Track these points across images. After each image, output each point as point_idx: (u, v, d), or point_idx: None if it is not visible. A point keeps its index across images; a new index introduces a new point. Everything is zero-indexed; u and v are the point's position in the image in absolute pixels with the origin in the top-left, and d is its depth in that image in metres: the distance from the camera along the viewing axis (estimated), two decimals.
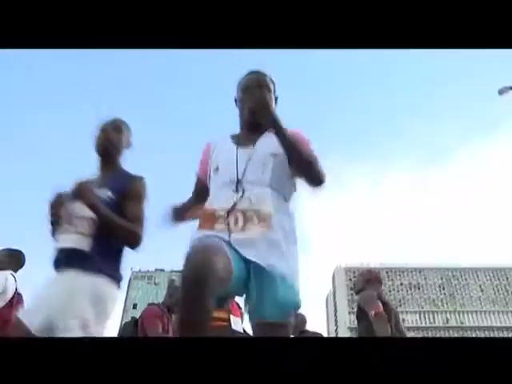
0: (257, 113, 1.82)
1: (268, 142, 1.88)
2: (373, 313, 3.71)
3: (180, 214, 2.07)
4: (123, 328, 4.22)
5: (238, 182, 1.78)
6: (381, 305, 3.79)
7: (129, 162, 2.47)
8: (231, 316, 3.54)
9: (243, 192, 1.75)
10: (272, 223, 1.69)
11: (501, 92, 13.80)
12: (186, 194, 2.14)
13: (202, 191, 2.01)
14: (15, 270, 4.28)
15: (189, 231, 1.82)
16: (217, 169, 1.89)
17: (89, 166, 2.42)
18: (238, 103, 2.06)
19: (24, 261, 4.39)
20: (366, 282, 4.31)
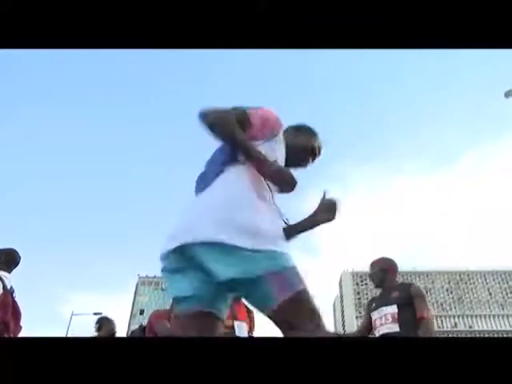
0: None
1: None
2: (425, 313, 3.40)
3: None
4: (131, 334, 4.24)
5: None
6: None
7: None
8: (235, 322, 3.49)
9: None
10: None
11: (507, 95, 13.72)
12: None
13: None
14: (9, 269, 4.15)
15: None
16: None
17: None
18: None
19: (18, 259, 4.25)
20: (391, 272, 3.90)
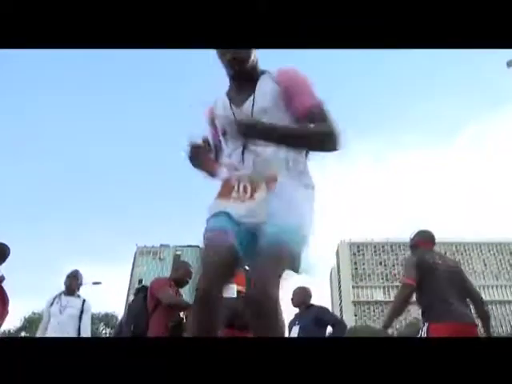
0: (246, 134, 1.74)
1: (257, 97, 1.85)
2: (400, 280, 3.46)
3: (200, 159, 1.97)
4: (133, 302, 4.31)
5: (244, 147, 1.84)
6: (413, 274, 3.46)
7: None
8: None
9: (248, 156, 1.84)
10: (276, 189, 1.77)
11: (509, 64, 13.55)
12: None
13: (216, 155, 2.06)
14: None
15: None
16: (224, 133, 1.94)
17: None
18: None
19: (8, 252, 4.56)
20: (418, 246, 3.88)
